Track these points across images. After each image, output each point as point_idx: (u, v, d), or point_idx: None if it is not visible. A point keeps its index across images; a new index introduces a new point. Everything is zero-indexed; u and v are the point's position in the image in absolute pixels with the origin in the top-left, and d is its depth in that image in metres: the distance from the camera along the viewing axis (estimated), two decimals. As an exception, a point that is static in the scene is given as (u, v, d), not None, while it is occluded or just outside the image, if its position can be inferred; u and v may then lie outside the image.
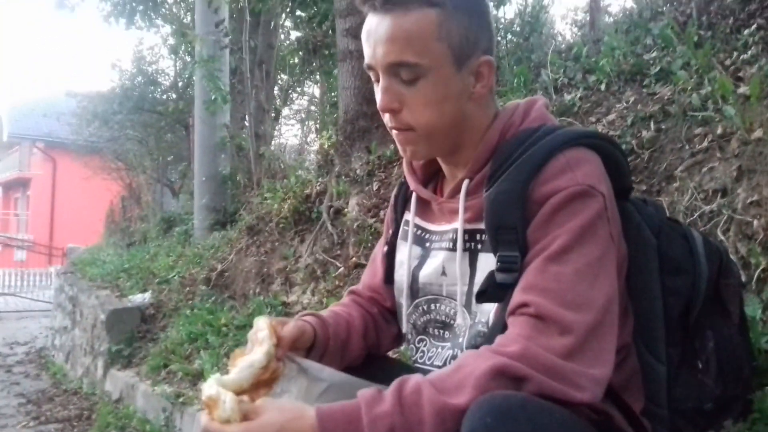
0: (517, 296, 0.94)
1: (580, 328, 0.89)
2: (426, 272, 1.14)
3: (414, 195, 1.20)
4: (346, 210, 3.52)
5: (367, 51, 1.05)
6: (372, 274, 1.32)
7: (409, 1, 1.00)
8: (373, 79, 1.08)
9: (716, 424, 1.16)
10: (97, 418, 3.75)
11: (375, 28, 1.02)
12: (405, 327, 1.19)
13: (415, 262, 1.17)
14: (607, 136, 1.13)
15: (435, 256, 1.13)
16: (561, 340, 0.88)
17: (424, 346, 1.15)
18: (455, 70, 1.03)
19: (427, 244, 1.16)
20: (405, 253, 1.19)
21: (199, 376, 3.28)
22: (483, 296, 1.01)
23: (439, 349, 1.12)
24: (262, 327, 1.04)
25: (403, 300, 1.18)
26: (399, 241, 1.23)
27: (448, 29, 1.01)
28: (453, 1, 1.01)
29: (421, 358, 1.15)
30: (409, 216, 1.20)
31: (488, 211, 1.01)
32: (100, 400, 4.26)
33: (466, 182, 1.08)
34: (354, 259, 3.20)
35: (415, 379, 0.88)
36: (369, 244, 3.11)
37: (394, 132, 1.08)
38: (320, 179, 4.07)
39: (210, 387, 0.93)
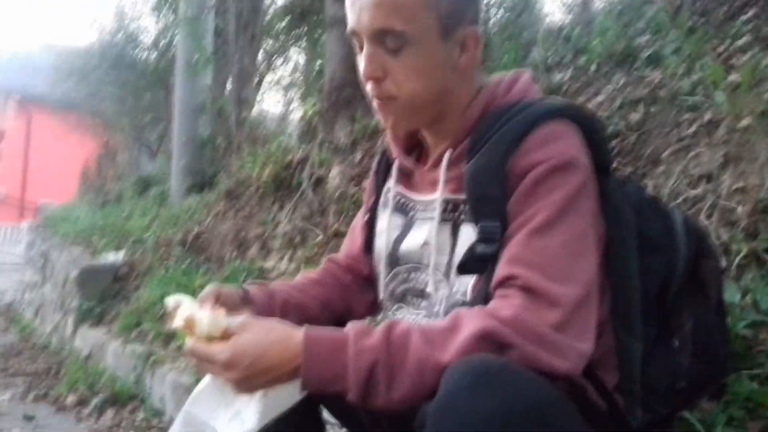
0: (502, 268, 0.93)
1: (568, 302, 0.89)
2: (408, 241, 1.13)
3: (396, 163, 1.19)
4: (328, 178, 3.50)
5: (351, 17, 1.03)
6: (351, 242, 1.32)
7: None
8: (356, 46, 1.06)
9: (690, 403, 1.18)
10: (66, 373, 3.72)
11: None
12: (383, 295, 1.18)
13: (396, 231, 1.16)
14: (587, 110, 1.13)
15: (419, 227, 1.12)
16: (551, 313, 0.88)
17: (401, 314, 1.15)
18: (441, 40, 1.02)
19: (411, 214, 1.15)
20: (386, 221, 1.18)
21: (171, 337, 3.26)
22: (464, 268, 1.01)
23: (415, 317, 1.12)
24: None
25: (382, 268, 1.17)
26: (380, 210, 1.22)
27: (437, 1, 0.99)
28: None
29: None
30: (391, 184, 1.19)
31: (468, 184, 1.00)
32: (69, 356, 4.23)
33: (448, 153, 1.07)
34: (334, 227, 3.18)
35: (406, 323, 0.89)
36: (350, 213, 3.10)
37: (375, 102, 1.07)
38: (303, 146, 4.03)
39: (183, 309, 0.95)
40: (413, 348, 0.86)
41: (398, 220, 1.17)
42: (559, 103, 1.05)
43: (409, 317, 1.12)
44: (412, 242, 1.12)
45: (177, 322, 0.95)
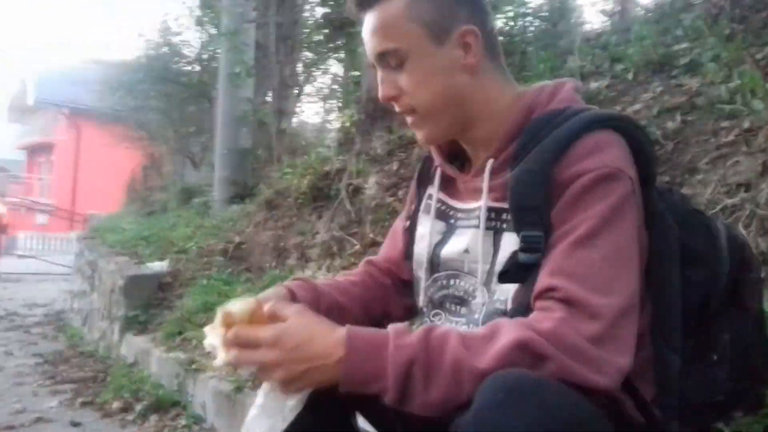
0: (543, 279, 0.94)
1: (608, 314, 0.89)
2: (449, 248, 1.14)
3: (439, 170, 1.20)
4: (364, 188, 3.53)
5: (366, 51, 1.12)
6: (392, 246, 1.32)
7: None
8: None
9: (726, 416, 1.16)
10: (112, 380, 3.82)
11: (364, 29, 1.09)
12: (421, 300, 1.19)
13: (437, 237, 1.17)
14: (634, 121, 1.12)
15: (461, 234, 1.13)
16: (590, 326, 0.88)
17: (439, 320, 1.16)
18: (436, 47, 1.05)
19: (452, 221, 1.16)
20: (427, 227, 1.19)
21: (212, 346, 3.32)
22: (505, 276, 1.01)
23: (454, 324, 1.12)
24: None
25: (422, 273, 1.18)
26: (421, 215, 1.23)
27: (416, 10, 1.04)
28: None
29: None
30: (433, 190, 1.20)
31: (512, 191, 1.00)
32: (114, 363, 4.34)
33: (490, 162, 1.07)
34: (370, 236, 3.21)
35: (445, 327, 0.91)
36: (386, 223, 3.12)
37: (403, 117, 1.13)
38: (340, 157, 4.07)
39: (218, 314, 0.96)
40: (451, 350, 0.86)
41: (439, 226, 1.17)
42: (606, 113, 1.05)
43: (447, 324, 1.13)
44: (452, 249, 1.13)
45: (214, 332, 0.97)
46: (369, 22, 1.08)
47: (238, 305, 0.97)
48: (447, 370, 0.86)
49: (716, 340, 1.08)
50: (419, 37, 1.05)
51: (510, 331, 0.88)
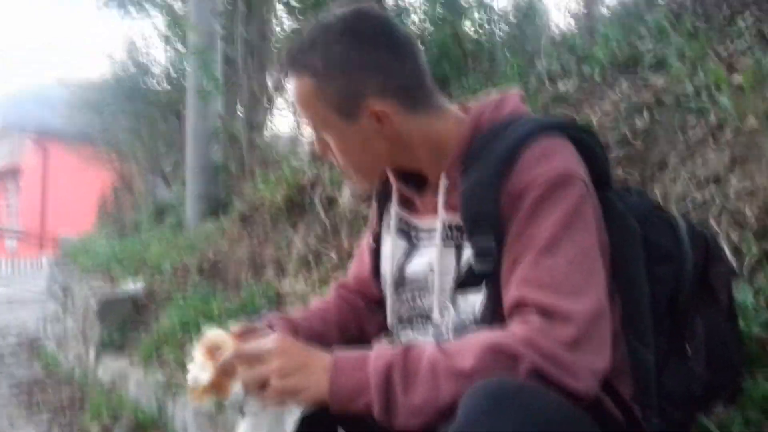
0: (513, 293, 0.95)
1: (582, 317, 0.90)
2: (413, 266, 1.15)
3: (395, 187, 1.21)
4: (339, 199, 3.52)
5: None
6: (360, 265, 1.34)
7: (289, 72, 1.07)
8: None
9: (706, 409, 1.18)
10: (90, 404, 3.75)
11: None
12: (390, 318, 1.20)
13: (401, 256, 1.17)
14: (579, 124, 1.14)
15: (423, 251, 1.14)
16: (565, 331, 0.89)
17: (407, 337, 1.17)
18: (348, 124, 1.06)
19: (414, 239, 1.17)
20: (390, 245, 1.20)
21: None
22: (462, 285, 1.03)
23: (423, 340, 1.13)
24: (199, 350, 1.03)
25: (389, 292, 1.19)
26: (384, 233, 1.24)
27: (323, 90, 1.05)
28: (324, 60, 1.04)
29: None
30: (393, 208, 1.21)
31: (463, 203, 1.02)
32: (92, 387, 4.26)
33: (443, 178, 1.09)
34: (346, 248, 3.20)
35: (423, 344, 0.93)
36: (362, 233, 3.10)
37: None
38: (314, 168, 4.05)
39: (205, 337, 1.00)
40: (428, 355, 0.89)
41: (402, 244, 1.18)
42: (550, 119, 1.07)
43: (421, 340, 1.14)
44: (417, 266, 1.14)
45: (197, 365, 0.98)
46: (289, 90, 1.11)
47: (217, 333, 1.00)
48: (425, 372, 0.87)
49: (690, 334, 1.10)
50: (330, 117, 1.06)
51: (485, 336, 0.90)
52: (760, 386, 1.30)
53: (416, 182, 1.18)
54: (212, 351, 0.99)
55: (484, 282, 1.00)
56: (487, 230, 0.98)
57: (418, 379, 0.87)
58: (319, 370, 0.91)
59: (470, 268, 1.01)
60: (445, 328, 1.08)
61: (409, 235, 1.18)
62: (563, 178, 0.96)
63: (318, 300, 1.36)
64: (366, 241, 1.33)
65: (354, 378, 0.89)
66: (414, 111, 1.08)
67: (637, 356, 1.03)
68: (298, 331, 1.20)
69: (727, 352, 1.12)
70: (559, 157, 0.99)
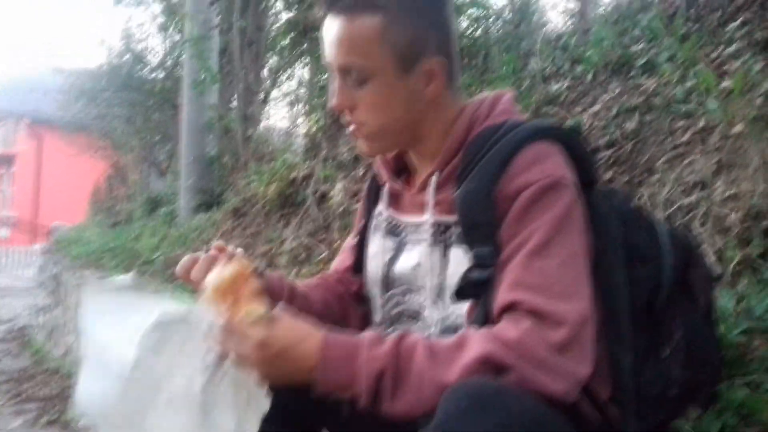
0: (504, 293, 0.95)
1: (573, 319, 0.91)
2: (401, 264, 1.15)
3: (386, 187, 1.22)
4: (331, 194, 3.52)
5: (324, 50, 1.08)
6: (341, 261, 1.34)
7: (354, 7, 1.02)
8: (332, 75, 1.11)
9: (682, 411, 1.19)
10: (78, 396, 3.75)
11: (327, 29, 1.06)
12: (378, 317, 1.20)
13: (390, 254, 1.18)
14: (570, 129, 1.15)
15: (410, 248, 1.14)
16: (557, 333, 0.90)
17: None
18: (401, 74, 1.05)
19: (402, 236, 1.17)
20: (378, 245, 1.21)
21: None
22: (460, 294, 1.02)
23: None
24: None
25: (377, 290, 1.19)
26: (371, 233, 1.25)
27: (391, 34, 1.02)
28: (399, 3, 1.03)
29: None
30: (382, 207, 1.22)
31: (460, 211, 1.03)
32: (81, 378, 4.26)
33: (435, 175, 1.09)
34: (338, 243, 3.20)
35: (415, 336, 0.92)
36: (353, 229, 3.12)
37: (350, 127, 1.11)
38: (307, 163, 4.06)
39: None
40: (417, 361, 0.89)
41: (390, 243, 1.18)
42: (543, 124, 1.07)
43: None
44: (404, 264, 1.14)
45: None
46: (335, 29, 1.04)
47: (227, 271, 0.98)
48: (412, 382, 0.88)
49: (668, 336, 1.10)
50: (387, 63, 1.04)
51: (476, 345, 0.89)
52: (739, 392, 1.31)
53: (405, 177, 1.19)
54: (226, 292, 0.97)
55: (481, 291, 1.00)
56: (485, 239, 0.99)
57: (406, 386, 0.88)
58: (308, 354, 0.90)
59: (469, 278, 1.01)
60: (433, 327, 1.08)
61: (397, 233, 1.18)
62: (555, 182, 0.98)
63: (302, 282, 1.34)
64: (350, 240, 1.33)
65: (343, 373, 0.89)
66: (450, 86, 1.10)
67: (615, 357, 1.04)
68: (283, 281, 1.20)
69: (705, 354, 1.13)
70: (550, 162, 1.00)
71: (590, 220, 1.05)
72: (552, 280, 0.93)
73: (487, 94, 1.14)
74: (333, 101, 1.08)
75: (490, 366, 0.87)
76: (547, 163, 0.99)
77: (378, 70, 1.04)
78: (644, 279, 1.08)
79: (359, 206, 1.34)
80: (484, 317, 0.98)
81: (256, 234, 4.09)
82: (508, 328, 0.90)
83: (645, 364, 1.07)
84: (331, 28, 1.05)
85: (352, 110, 1.08)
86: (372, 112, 1.07)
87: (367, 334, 0.93)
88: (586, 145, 1.12)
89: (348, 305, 1.30)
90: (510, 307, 0.93)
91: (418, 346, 0.90)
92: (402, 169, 1.21)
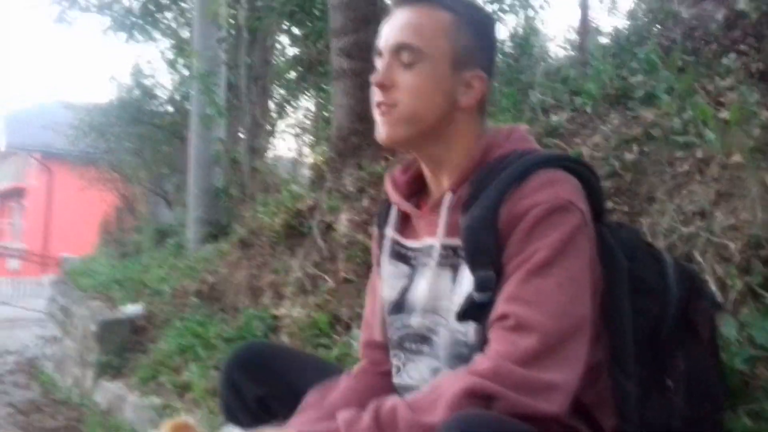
0: (499, 306, 0.98)
1: (552, 332, 0.94)
2: (415, 289, 1.17)
3: (394, 210, 1.23)
4: (336, 225, 3.55)
5: (381, 40, 1.15)
6: (370, 334, 1.30)
7: (432, 1, 1.11)
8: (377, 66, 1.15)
9: (686, 443, 1.19)
10: (86, 428, 3.75)
11: (395, 18, 1.13)
12: (389, 339, 1.22)
13: (404, 281, 1.19)
14: (582, 161, 1.18)
15: (422, 273, 1.16)
16: (525, 340, 0.93)
17: (398, 360, 1.18)
18: (450, 71, 1.10)
19: (413, 262, 1.19)
20: (388, 270, 1.22)
21: (187, 388, 3.29)
22: (463, 316, 1.05)
23: (416, 363, 1.15)
24: None
25: (389, 313, 1.21)
26: (383, 258, 1.26)
27: (456, 33, 1.10)
28: (468, 13, 1.13)
29: (397, 372, 1.18)
30: (388, 231, 1.23)
31: (464, 236, 1.05)
32: (88, 410, 4.25)
33: (449, 196, 1.12)
34: (343, 274, 3.22)
35: (391, 400, 0.94)
36: (358, 260, 3.14)
37: (380, 109, 1.13)
38: (312, 194, 4.09)
39: None
40: (401, 420, 0.90)
41: (403, 269, 1.20)
42: (556, 154, 1.12)
43: (409, 364, 1.16)
44: (418, 289, 1.16)
45: None
46: (406, 15, 1.12)
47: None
48: None
49: (671, 368, 1.12)
50: (443, 54, 1.10)
51: (454, 383, 0.92)
52: (742, 421, 1.31)
53: (416, 202, 1.21)
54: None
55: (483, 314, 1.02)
56: (487, 263, 1.02)
57: None
58: None
59: (471, 301, 1.03)
60: (442, 350, 1.10)
61: (407, 258, 1.20)
62: (563, 205, 1.01)
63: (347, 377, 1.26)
64: (376, 279, 1.30)
65: None
66: (480, 108, 1.17)
67: (620, 388, 1.06)
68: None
69: (708, 387, 1.15)
70: (560, 186, 1.03)
71: (598, 252, 1.07)
72: (545, 298, 0.96)
73: (501, 125, 1.19)
74: (377, 78, 1.12)
75: (475, 398, 0.89)
76: (557, 187, 1.03)
77: (432, 57, 1.10)
78: (649, 311, 1.10)
79: (373, 242, 1.34)
80: (485, 339, 1.00)
81: (262, 265, 4.12)
82: (480, 362, 0.93)
83: (649, 396, 1.08)
84: (402, 16, 1.13)
85: (389, 90, 1.12)
86: (410, 93, 1.11)
87: (341, 416, 0.94)
88: (597, 177, 1.15)
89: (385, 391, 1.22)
90: (499, 320, 0.97)
91: (397, 407, 0.92)
92: (413, 194, 1.23)
